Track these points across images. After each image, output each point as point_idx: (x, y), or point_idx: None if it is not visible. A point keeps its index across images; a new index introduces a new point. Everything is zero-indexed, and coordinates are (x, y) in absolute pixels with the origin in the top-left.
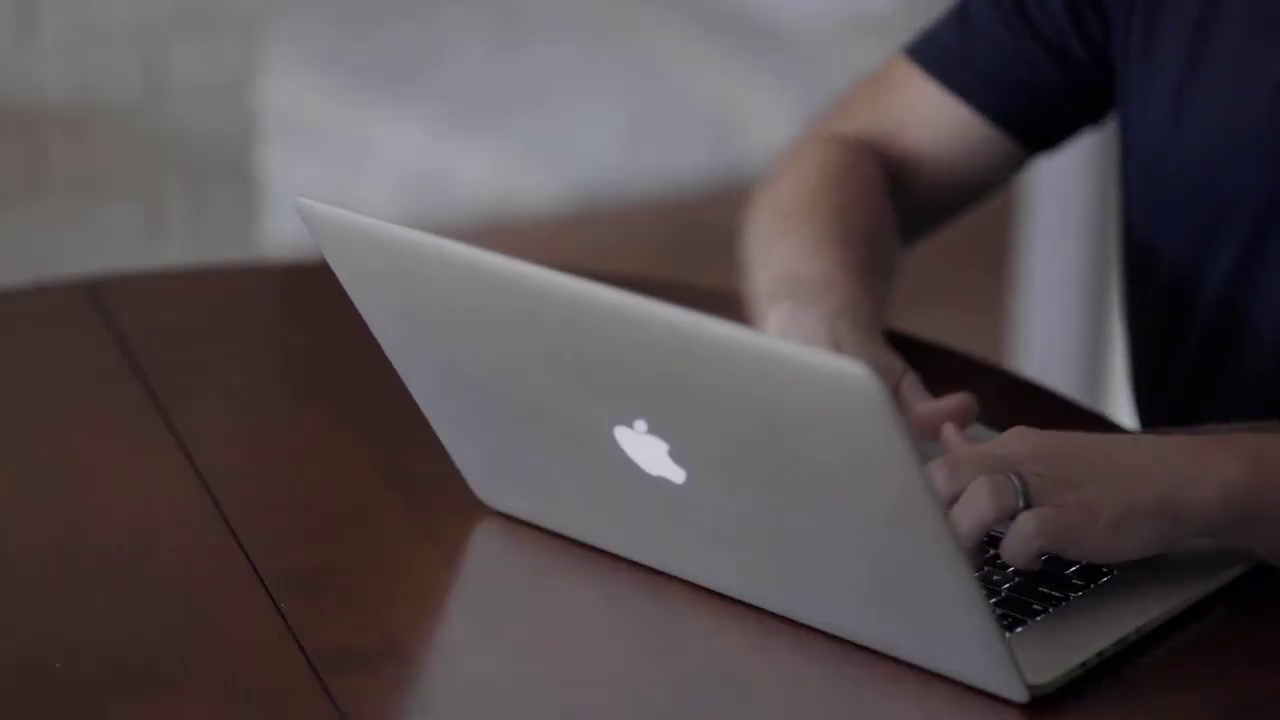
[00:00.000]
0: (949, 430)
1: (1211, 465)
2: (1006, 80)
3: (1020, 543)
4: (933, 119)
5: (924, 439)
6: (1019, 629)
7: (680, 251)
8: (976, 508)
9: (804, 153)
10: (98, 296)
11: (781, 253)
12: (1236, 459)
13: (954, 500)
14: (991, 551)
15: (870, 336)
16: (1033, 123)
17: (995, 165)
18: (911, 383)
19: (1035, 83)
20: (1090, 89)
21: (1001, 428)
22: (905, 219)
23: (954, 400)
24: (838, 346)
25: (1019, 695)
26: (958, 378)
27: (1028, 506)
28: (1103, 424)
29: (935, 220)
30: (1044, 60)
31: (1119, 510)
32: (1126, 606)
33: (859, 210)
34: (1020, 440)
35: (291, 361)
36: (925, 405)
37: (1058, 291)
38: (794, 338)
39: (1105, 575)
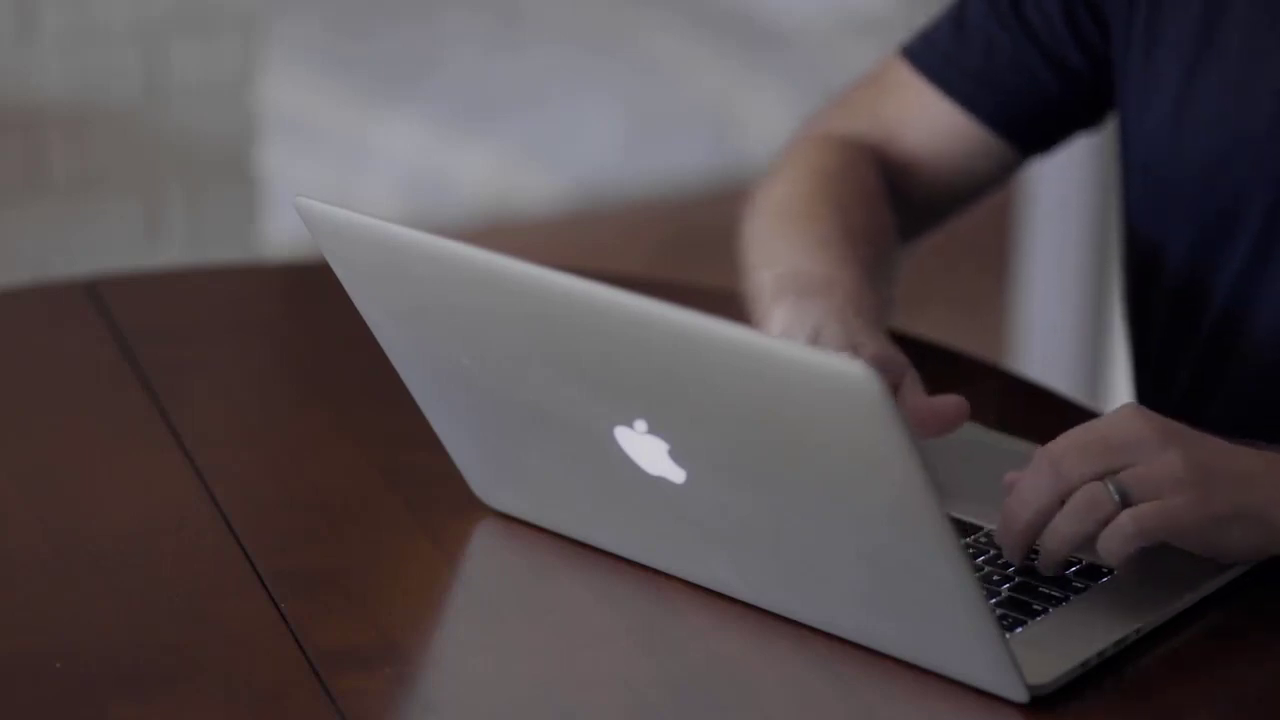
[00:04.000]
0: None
1: None
2: (1002, 85)
3: (1119, 543)
4: (928, 123)
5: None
6: (1019, 629)
7: (680, 251)
8: (1074, 528)
9: (801, 152)
10: (98, 296)
11: (784, 251)
12: None
13: (1061, 498)
14: (993, 551)
15: (878, 330)
16: (1028, 127)
17: (991, 168)
18: (912, 379)
19: (1031, 88)
20: (1086, 93)
21: (1002, 428)
22: (903, 219)
23: (948, 400)
24: (848, 336)
25: (1019, 695)
26: (958, 378)
27: (1124, 504)
28: None
29: (932, 220)
30: (1040, 65)
31: (1227, 508)
32: (1126, 606)
33: (859, 210)
34: (1139, 420)
35: (291, 361)
36: (921, 400)
37: (1058, 291)
38: (799, 333)
39: (1105, 575)
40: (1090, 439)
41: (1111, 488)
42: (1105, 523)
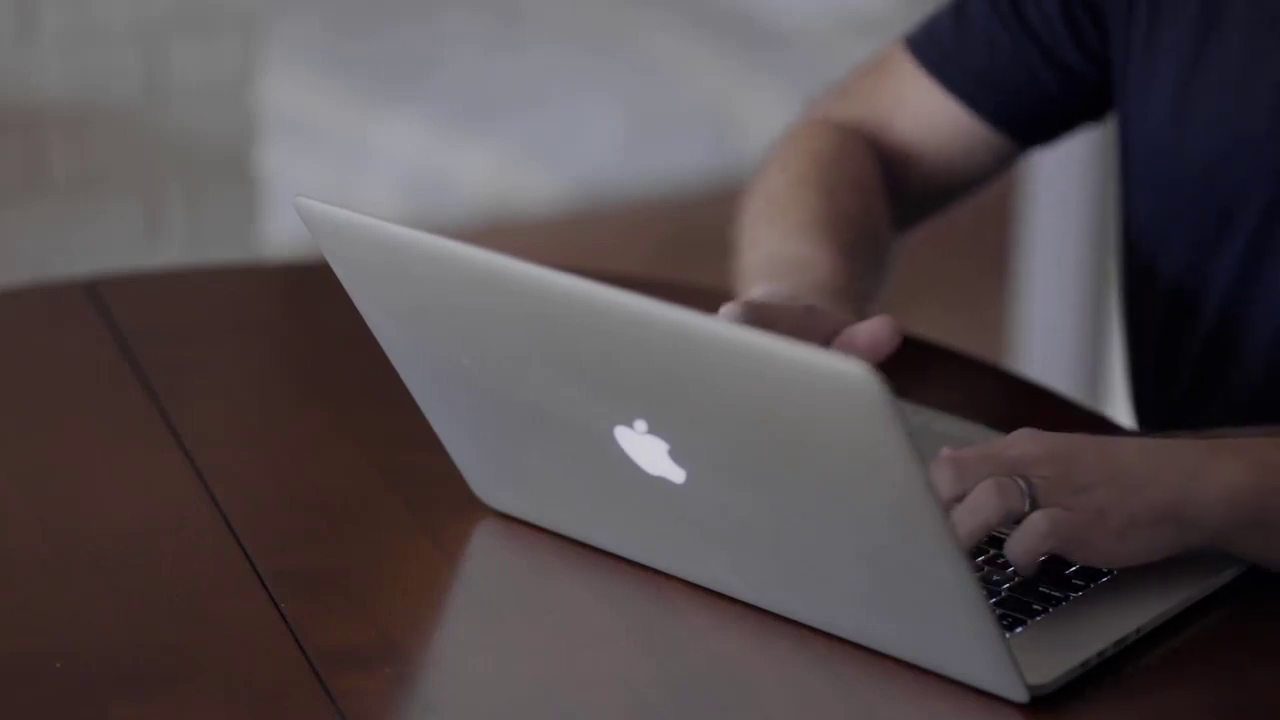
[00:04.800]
0: (947, 450)
1: (1218, 470)
2: (1001, 81)
3: (1031, 541)
4: (927, 113)
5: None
6: (1019, 629)
7: (680, 251)
8: (982, 509)
9: (798, 137)
10: (98, 296)
11: (766, 237)
12: (1243, 464)
13: (958, 500)
14: (992, 551)
15: (834, 303)
16: (1027, 122)
17: (989, 160)
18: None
19: (1030, 85)
20: (1088, 92)
21: (1002, 428)
22: (899, 208)
23: (872, 323)
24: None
25: (1019, 695)
26: (958, 378)
27: (1033, 509)
28: (1103, 425)
29: (929, 209)
30: (1039, 62)
31: (1126, 516)
32: (1126, 606)
33: (848, 194)
34: (1029, 441)
35: (291, 361)
36: (849, 335)
37: (1058, 291)
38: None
39: (1105, 575)
40: (990, 453)
41: (1022, 483)
42: (1014, 514)
